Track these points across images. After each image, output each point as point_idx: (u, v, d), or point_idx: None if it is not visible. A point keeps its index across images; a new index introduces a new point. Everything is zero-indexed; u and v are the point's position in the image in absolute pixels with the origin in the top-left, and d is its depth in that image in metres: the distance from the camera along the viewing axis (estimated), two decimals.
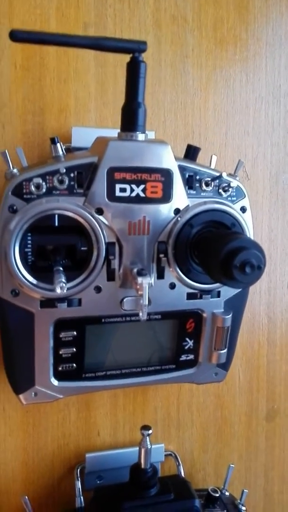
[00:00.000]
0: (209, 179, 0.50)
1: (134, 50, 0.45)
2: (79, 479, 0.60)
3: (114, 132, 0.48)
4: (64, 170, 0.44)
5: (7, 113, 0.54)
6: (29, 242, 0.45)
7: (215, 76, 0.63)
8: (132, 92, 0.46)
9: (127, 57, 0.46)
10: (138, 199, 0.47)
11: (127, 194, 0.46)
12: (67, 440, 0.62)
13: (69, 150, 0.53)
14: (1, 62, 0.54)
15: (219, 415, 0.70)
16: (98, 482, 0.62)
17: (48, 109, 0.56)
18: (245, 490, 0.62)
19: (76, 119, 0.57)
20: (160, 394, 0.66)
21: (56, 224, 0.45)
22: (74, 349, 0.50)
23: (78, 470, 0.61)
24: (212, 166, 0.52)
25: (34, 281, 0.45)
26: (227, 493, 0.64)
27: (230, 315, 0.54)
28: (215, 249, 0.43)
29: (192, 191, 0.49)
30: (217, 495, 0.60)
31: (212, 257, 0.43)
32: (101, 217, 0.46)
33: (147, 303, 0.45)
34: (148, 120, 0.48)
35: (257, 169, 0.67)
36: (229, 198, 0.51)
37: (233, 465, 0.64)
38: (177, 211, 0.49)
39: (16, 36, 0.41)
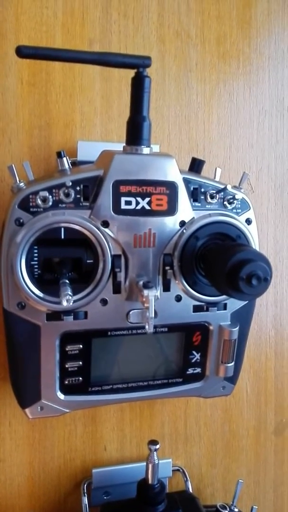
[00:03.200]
0: (214, 191, 0.50)
1: (139, 65, 0.46)
2: (85, 494, 0.60)
3: (119, 146, 0.48)
4: (70, 184, 0.44)
5: (14, 128, 0.55)
6: (36, 255, 0.45)
7: (218, 90, 0.64)
8: (137, 106, 0.46)
9: (131, 72, 0.46)
10: (143, 212, 0.47)
11: (132, 207, 0.46)
12: (73, 455, 0.62)
13: (74, 164, 0.53)
14: (8, 78, 0.54)
15: (227, 429, 0.70)
16: (105, 497, 0.61)
17: (54, 124, 0.57)
18: (255, 506, 0.61)
19: (82, 133, 0.58)
20: (167, 408, 0.66)
21: (62, 237, 0.45)
22: (80, 363, 0.50)
23: (85, 485, 0.61)
24: (217, 179, 0.52)
25: (41, 294, 0.45)
26: (236, 509, 0.62)
27: (237, 328, 0.53)
28: (221, 261, 0.43)
29: (197, 204, 0.50)
30: (226, 511, 0.59)
31: (218, 269, 0.43)
32: (107, 230, 0.46)
33: (153, 315, 0.45)
34: (153, 134, 0.48)
35: (261, 181, 0.67)
36: (234, 210, 0.51)
37: (242, 481, 0.63)
38: (182, 223, 0.49)
39: (22, 52, 0.41)
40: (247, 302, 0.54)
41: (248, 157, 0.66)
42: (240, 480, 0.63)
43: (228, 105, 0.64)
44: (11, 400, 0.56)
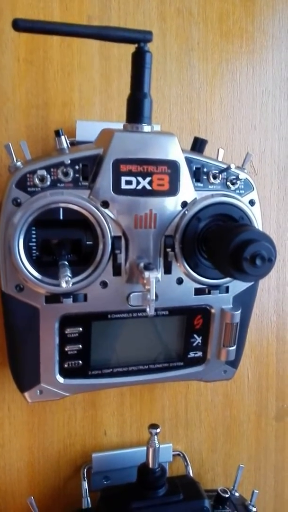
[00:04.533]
0: (217, 171, 0.49)
1: (139, 40, 0.44)
2: (85, 479, 0.60)
3: (119, 126, 0.47)
4: (69, 162, 0.43)
5: (11, 107, 0.54)
6: (34, 236, 0.44)
7: (221, 69, 0.62)
8: (138, 82, 0.45)
9: (131, 50, 0.45)
10: (144, 192, 0.46)
11: (133, 186, 0.45)
12: (73, 440, 0.61)
13: (73, 144, 0.52)
14: (4, 55, 0.53)
15: (227, 414, 0.69)
16: (105, 482, 0.61)
17: (52, 103, 0.55)
18: (255, 491, 0.61)
19: (81, 113, 0.56)
20: (167, 392, 0.65)
21: (61, 217, 0.44)
22: (80, 346, 0.49)
23: (85, 470, 0.60)
24: (219, 160, 0.51)
25: (39, 276, 0.44)
26: (236, 494, 0.62)
27: (239, 311, 0.52)
28: (224, 242, 0.42)
29: (199, 184, 0.48)
30: (227, 495, 0.59)
31: (221, 250, 0.42)
32: (106, 211, 0.45)
33: (154, 298, 0.44)
34: (154, 114, 0.47)
35: (264, 163, 0.66)
36: (237, 191, 0.50)
37: (243, 466, 0.63)
38: (184, 204, 0.48)
39: (19, 25, 0.40)
40: (249, 285, 0.53)
41: (251, 139, 0.65)
42: (241, 465, 0.63)
43: (230, 85, 0.63)
44: (9, 385, 0.56)
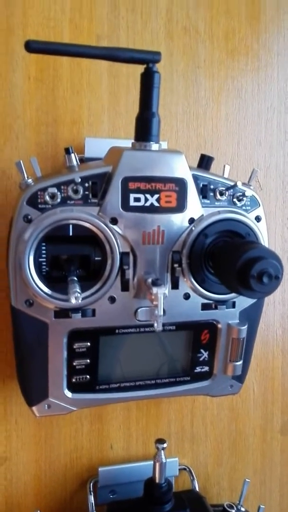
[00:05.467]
0: (223, 188, 0.49)
1: (148, 60, 0.45)
2: (92, 493, 0.60)
3: (127, 143, 0.48)
4: (79, 180, 0.44)
5: (21, 124, 0.55)
6: (44, 252, 0.45)
7: (227, 86, 0.63)
8: (146, 102, 0.46)
9: (139, 69, 0.46)
10: (152, 209, 0.46)
11: (141, 203, 0.46)
12: (79, 454, 0.62)
13: (82, 160, 0.53)
14: (15, 73, 0.54)
15: (233, 428, 0.69)
16: (111, 496, 0.61)
17: (62, 120, 0.56)
18: (261, 506, 0.61)
19: (89, 130, 0.57)
20: (173, 407, 0.65)
21: (71, 234, 0.45)
22: (88, 360, 0.50)
23: (91, 484, 0.61)
24: (225, 176, 0.52)
25: (49, 291, 0.45)
26: (242, 509, 0.62)
27: (246, 326, 0.53)
28: (231, 259, 0.42)
29: (206, 201, 0.49)
30: (233, 510, 0.59)
31: (228, 267, 0.43)
32: (115, 227, 0.46)
33: (162, 313, 0.45)
34: (161, 130, 0.48)
35: (269, 179, 0.67)
36: (244, 208, 0.51)
37: (248, 480, 0.63)
38: (191, 220, 0.48)
39: (31, 46, 0.41)
40: (256, 300, 0.53)
41: (256, 155, 0.65)
42: (246, 480, 0.63)
43: (236, 101, 0.64)
44: (17, 398, 0.56)
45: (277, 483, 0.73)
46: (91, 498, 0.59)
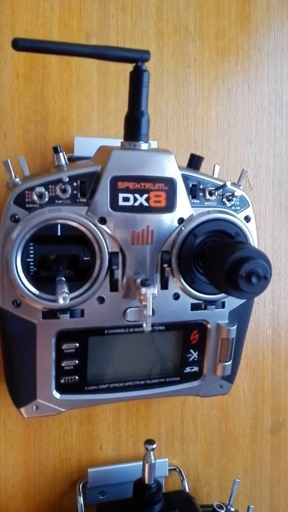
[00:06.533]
0: (213, 188, 0.49)
1: (137, 59, 0.45)
2: (81, 494, 0.59)
3: (117, 142, 0.47)
4: (67, 179, 0.44)
5: (9, 123, 0.54)
6: (31, 252, 0.44)
7: (217, 86, 0.63)
8: (135, 101, 0.45)
9: (129, 67, 0.45)
10: (141, 209, 0.46)
11: (130, 203, 0.46)
12: (69, 455, 0.61)
13: (71, 159, 0.52)
14: (3, 72, 0.53)
15: (223, 428, 0.69)
16: (100, 497, 0.60)
17: (51, 119, 0.56)
18: (251, 506, 0.61)
19: (79, 129, 0.57)
20: (163, 407, 0.65)
21: (59, 233, 0.44)
22: (77, 361, 0.49)
23: (80, 485, 0.60)
24: (215, 176, 0.52)
25: (36, 292, 0.44)
26: (232, 509, 0.62)
27: (235, 326, 0.53)
28: (220, 259, 0.42)
29: (195, 201, 0.49)
30: (223, 511, 0.59)
31: (217, 267, 0.43)
32: (104, 227, 0.45)
33: (151, 314, 0.44)
34: (151, 130, 0.48)
35: (259, 178, 0.67)
36: (233, 208, 0.51)
37: (238, 480, 0.63)
38: (181, 220, 0.48)
39: (19, 44, 0.40)
40: (245, 300, 0.53)
41: (246, 154, 0.65)
42: (236, 480, 0.63)
43: (226, 101, 0.64)
44: (5, 399, 0.55)
45: (268, 483, 0.73)
46: (81, 499, 0.59)
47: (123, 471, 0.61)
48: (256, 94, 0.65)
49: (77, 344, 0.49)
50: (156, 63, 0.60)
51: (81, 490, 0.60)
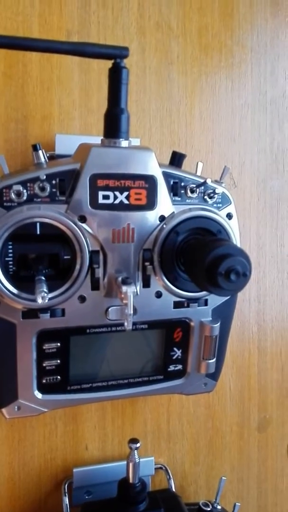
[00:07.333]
0: (194, 185, 0.49)
1: (116, 56, 0.44)
2: (66, 494, 0.59)
3: (99, 140, 0.47)
4: (45, 177, 0.43)
5: None
6: (10, 251, 0.44)
7: (200, 83, 0.63)
8: (115, 98, 0.45)
9: (110, 64, 0.45)
10: (122, 206, 0.46)
11: (110, 201, 0.45)
12: (54, 455, 0.61)
13: (52, 157, 0.52)
14: None
15: (210, 426, 0.69)
16: (86, 497, 0.60)
17: (32, 117, 0.55)
18: (237, 504, 0.61)
19: (60, 126, 0.56)
20: (149, 405, 0.65)
21: (38, 232, 0.44)
22: (58, 361, 0.49)
23: (66, 485, 0.60)
24: (198, 173, 0.52)
25: (15, 291, 0.44)
26: (219, 507, 0.62)
27: (218, 324, 0.53)
28: (200, 257, 0.42)
29: (177, 198, 0.49)
30: (209, 509, 0.59)
31: (197, 265, 0.43)
32: (84, 225, 0.45)
33: (132, 312, 0.44)
34: (133, 127, 0.47)
35: (244, 176, 0.66)
36: (215, 205, 0.51)
37: (225, 478, 0.63)
38: (162, 218, 0.48)
39: None
40: (228, 298, 0.53)
41: (230, 152, 0.65)
42: (223, 477, 0.63)
43: (210, 98, 0.63)
44: None
45: (255, 480, 0.73)
46: (66, 499, 0.58)
47: (109, 470, 0.61)
48: (240, 90, 0.65)
49: (59, 344, 0.48)
50: (138, 60, 0.59)
51: (66, 490, 0.59)
